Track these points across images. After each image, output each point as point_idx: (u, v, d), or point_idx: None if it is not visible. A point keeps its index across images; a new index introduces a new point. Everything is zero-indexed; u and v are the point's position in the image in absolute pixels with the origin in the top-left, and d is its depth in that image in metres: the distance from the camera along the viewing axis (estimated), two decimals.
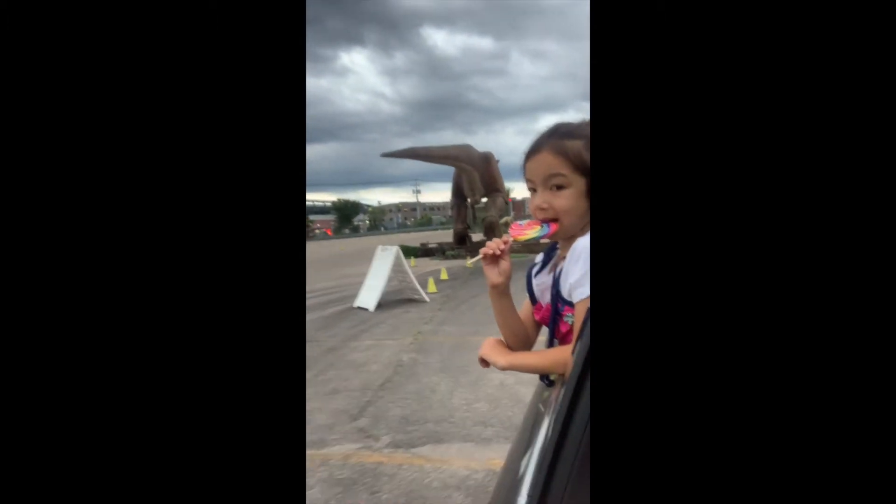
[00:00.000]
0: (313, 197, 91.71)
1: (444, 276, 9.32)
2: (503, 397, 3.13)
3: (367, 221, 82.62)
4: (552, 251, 0.91)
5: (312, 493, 2.14)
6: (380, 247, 7.39)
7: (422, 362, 4.01)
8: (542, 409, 0.74)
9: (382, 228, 75.84)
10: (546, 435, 0.56)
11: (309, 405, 3.20)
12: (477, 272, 6.67)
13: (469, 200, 14.20)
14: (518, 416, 2.73)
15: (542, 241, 0.83)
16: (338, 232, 71.13)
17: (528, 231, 0.81)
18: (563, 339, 0.81)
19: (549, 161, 0.78)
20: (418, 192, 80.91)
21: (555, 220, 0.79)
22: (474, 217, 15.07)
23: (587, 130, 0.78)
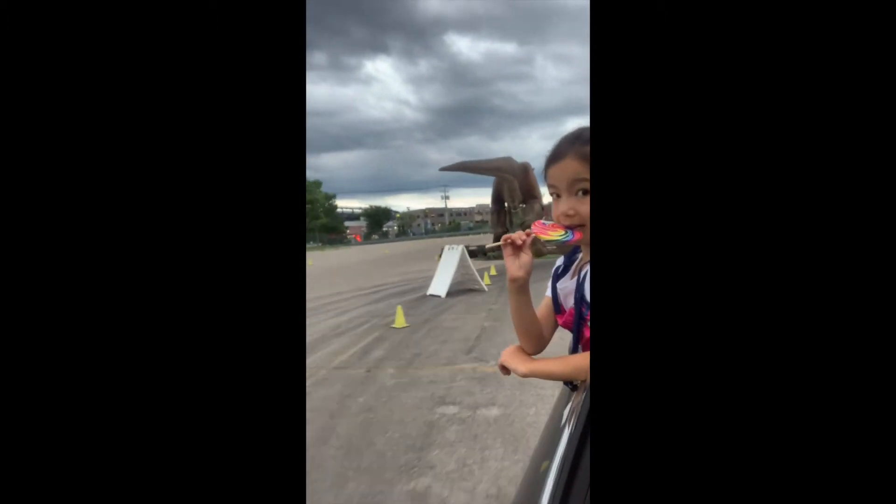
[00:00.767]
0: (344, 204, 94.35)
1: (493, 272, 10.84)
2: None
3: (396, 227, 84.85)
4: (574, 254, 0.91)
5: (459, 385, 3.68)
6: (446, 246, 9.01)
7: (499, 328, 5.52)
8: (565, 415, 0.75)
9: (411, 234, 77.76)
10: (567, 442, 0.57)
11: (429, 348, 4.75)
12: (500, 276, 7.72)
13: (507, 206, 15.73)
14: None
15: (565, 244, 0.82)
16: (367, 238, 73.10)
17: (552, 232, 0.81)
18: (588, 345, 0.81)
19: (574, 167, 0.77)
20: (447, 197, 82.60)
21: (580, 226, 0.78)
22: (511, 221, 16.56)
23: None
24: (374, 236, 76.50)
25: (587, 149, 0.76)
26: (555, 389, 1.08)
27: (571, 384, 0.85)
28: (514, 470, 2.35)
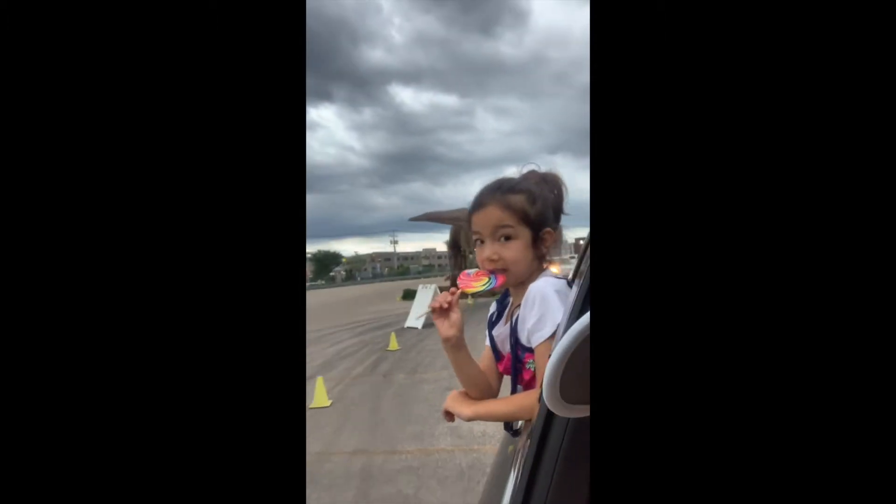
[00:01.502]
0: None
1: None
2: None
3: (343, 272, 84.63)
4: (505, 299, 0.94)
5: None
6: (421, 285, 10.53)
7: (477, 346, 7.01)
8: (509, 460, 0.75)
9: (359, 278, 77.56)
10: (514, 486, 0.57)
11: (424, 361, 6.13)
12: (476, 309, 8.63)
13: (464, 250, 17.69)
14: None
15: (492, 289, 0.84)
16: (312, 282, 70.93)
17: (476, 283, 0.84)
18: (528, 386, 0.83)
19: (496, 214, 0.82)
20: (395, 242, 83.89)
21: (503, 270, 0.83)
22: (465, 264, 18.55)
23: (528, 184, 0.87)
24: (320, 281, 75.14)
25: (508, 197, 0.83)
26: None
27: (512, 429, 0.87)
28: None
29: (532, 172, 0.91)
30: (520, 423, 0.84)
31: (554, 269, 0.88)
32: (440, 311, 0.83)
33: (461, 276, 0.87)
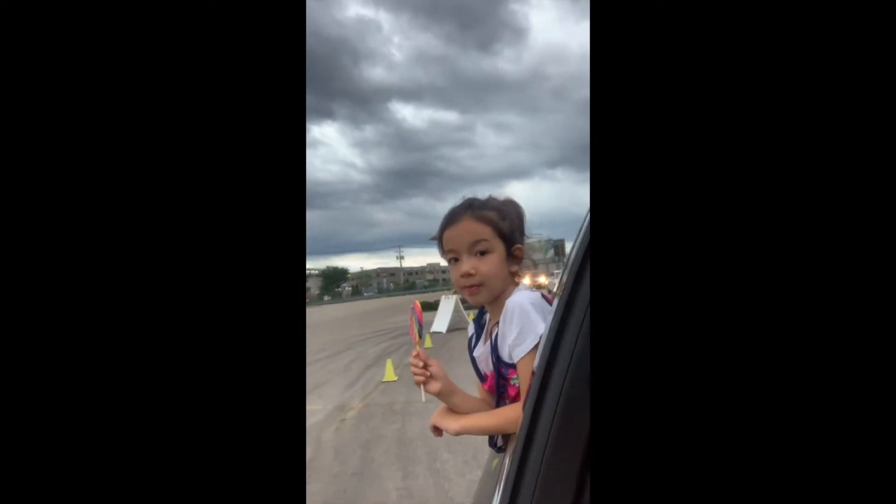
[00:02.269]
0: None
1: (471, 317, 14.22)
2: None
3: (349, 288, 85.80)
4: (482, 318, 0.95)
5: None
6: (444, 295, 12.45)
7: None
8: (494, 477, 0.76)
9: (364, 294, 78.60)
10: (499, 500, 0.57)
11: (454, 354, 7.92)
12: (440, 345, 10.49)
13: None
14: None
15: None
16: (319, 299, 72.52)
17: (415, 329, 0.93)
18: (514, 399, 0.83)
19: (472, 228, 0.84)
20: (402, 257, 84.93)
21: (479, 285, 0.84)
22: None
23: (496, 203, 0.89)
24: (326, 297, 76.29)
25: (481, 212, 0.85)
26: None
27: (497, 446, 0.87)
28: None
29: (492, 198, 0.93)
30: (500, 438, 0.86)
31: (527, 280, 0.91)
32: (421, 375, 0.86)
33: (413, 336, 0.93)
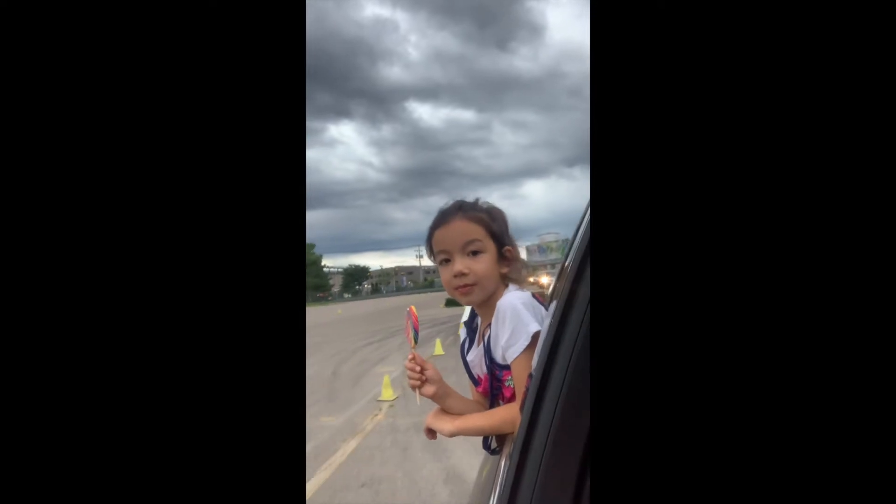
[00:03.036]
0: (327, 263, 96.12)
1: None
2: None
3: (368, 286, 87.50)
4: (473, 322, 0.95)
5: None
6: None
7: None
8: (489, 480, 0.75)
9: (384, 291, 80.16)
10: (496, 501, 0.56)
11: None
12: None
13: None
14: None
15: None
16: (340, 296, 74.12)
17: (410, 334, 0.91)
18: (509, 400, 0.84)
19: (465, 228, 0.85)
20: (421, 256, 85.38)
21: (472, 285, 0.84)
22: None
23: (487, 205, 0.91)
24: (347, 295, 77.63)
25: (472, 213, 0.87)
26: None
27: (490, 448, 0.87)
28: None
29: (480, 200, 0.93)
30: (494, 440, 0.86)
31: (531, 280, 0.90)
32: (417, 379, 0.87)
33: (409, 340, 0.92)
